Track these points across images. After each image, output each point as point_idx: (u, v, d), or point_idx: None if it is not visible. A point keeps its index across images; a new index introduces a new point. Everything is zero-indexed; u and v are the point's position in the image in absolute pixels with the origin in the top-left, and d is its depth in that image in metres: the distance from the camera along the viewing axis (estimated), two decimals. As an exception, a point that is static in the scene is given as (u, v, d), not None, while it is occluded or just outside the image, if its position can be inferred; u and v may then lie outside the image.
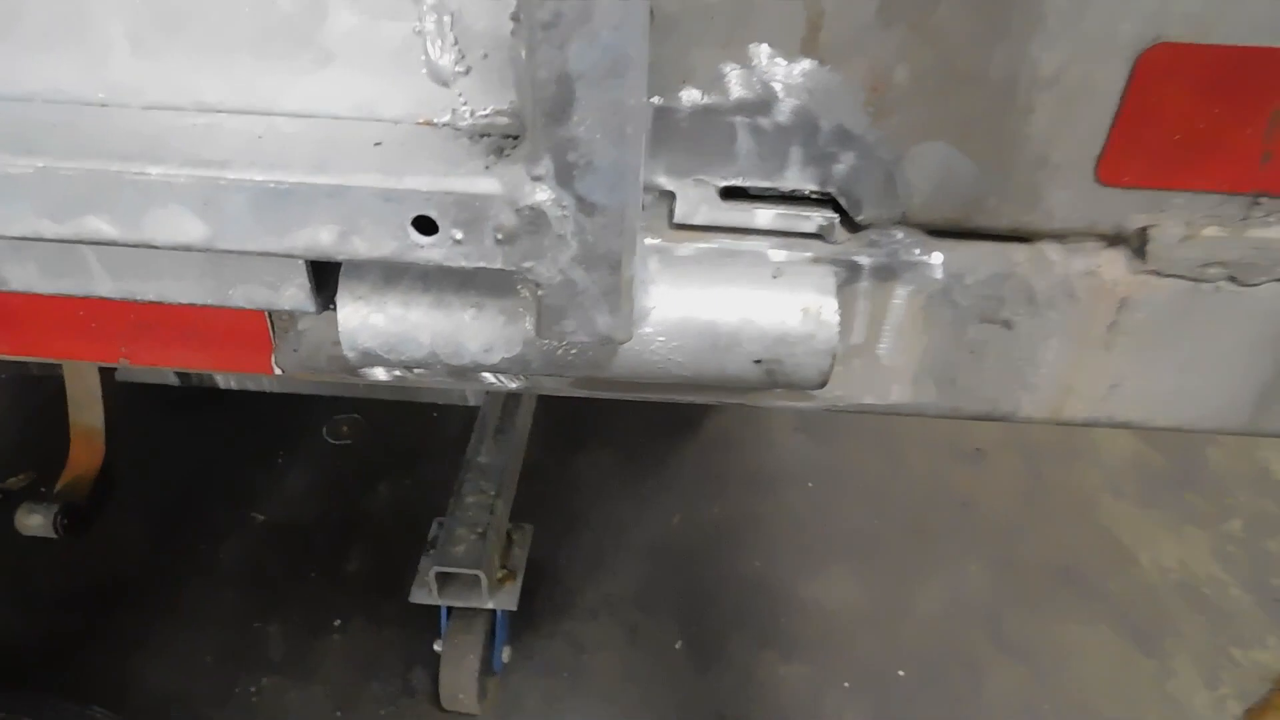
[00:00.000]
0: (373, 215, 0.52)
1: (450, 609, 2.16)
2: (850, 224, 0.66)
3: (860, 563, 2.74)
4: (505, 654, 2.27)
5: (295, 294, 0.61)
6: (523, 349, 0.61)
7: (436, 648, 2.20)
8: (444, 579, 2.05)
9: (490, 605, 2.09)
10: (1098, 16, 0.56)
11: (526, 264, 0.54)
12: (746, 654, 2.46)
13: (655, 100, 0.61)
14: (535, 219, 0.51)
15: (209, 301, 0.61)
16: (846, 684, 2.36)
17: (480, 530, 2.08)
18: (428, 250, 0.53)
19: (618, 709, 2.39)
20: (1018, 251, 0.67)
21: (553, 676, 2.42)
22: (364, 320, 0.60)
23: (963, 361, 0.72)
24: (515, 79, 0.55)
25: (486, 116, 0.58)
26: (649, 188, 0.65)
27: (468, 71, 0.57)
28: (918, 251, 0.67)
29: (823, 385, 0.63)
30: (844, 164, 0.63)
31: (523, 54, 0.48)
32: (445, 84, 0.57)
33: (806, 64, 0.59)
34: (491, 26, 0.55)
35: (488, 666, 2.27)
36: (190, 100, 0.59)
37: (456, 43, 0.55)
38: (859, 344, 0.72)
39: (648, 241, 0.67)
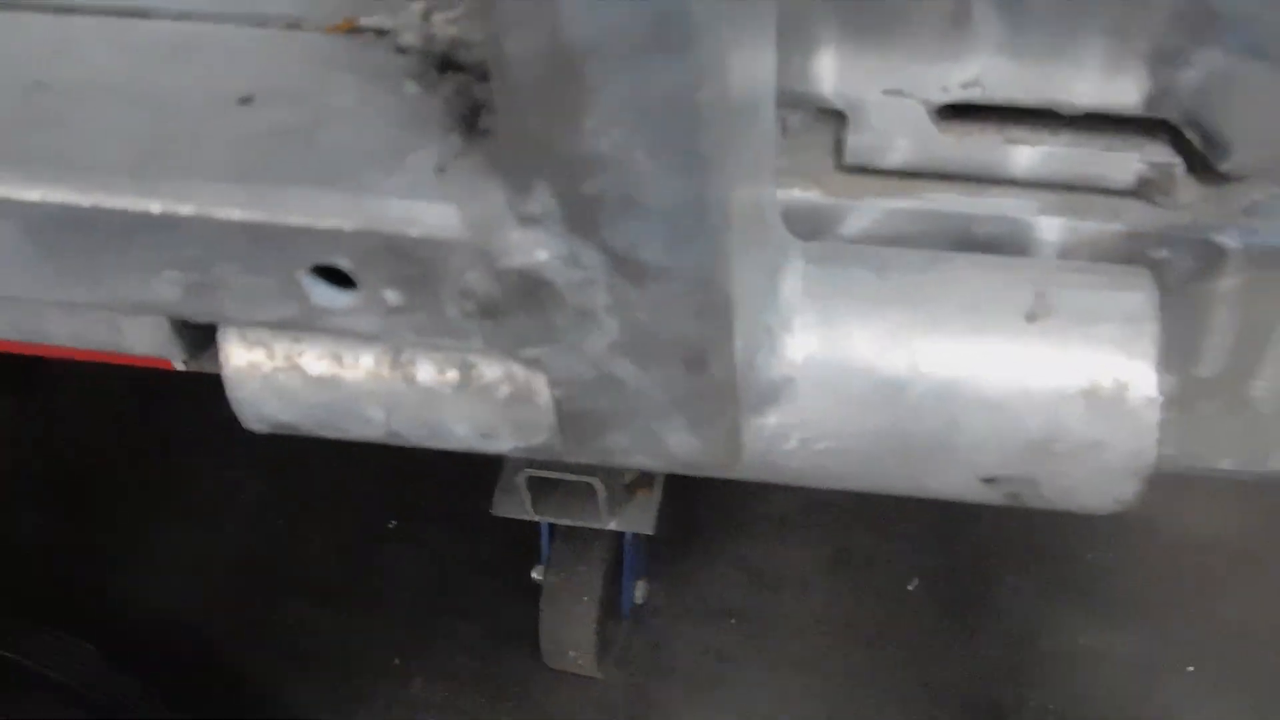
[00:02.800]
0: (239, 261, 0.44)
1: (555, 526, 2.24)
2: (1206, 172, 0.54)
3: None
4: (639, 591, 2.36)
5: (147, 335, 0.55)
6: (547, 438, 0.53)
7: (535, 576, 2.30)
8: (542, 485, 2.10)
9: (613, 525, 2.15)
10: None
11: (528, 352, 0.45)
12: (1027, 609, 2.45)
13: None
14: (532, 287, 0.42)
15: (13, 336, 0.56)
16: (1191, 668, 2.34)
17: (598, 412, 2.11)
18: (346, 319, 0.45)
19: (816, 680, 2.45)
20: None
21: (714, 625, 2.51)
22: (266, 382, 0.53)
23: None
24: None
25: (453, 21, 0.47)
26: (798, 100, 0.55)
27: (414, -57, 0.45)
28: (1350, 229, 0.54)
29: (1120, 510, 0.53)
30: (1198, 69, 0.50)
31: None
32: (375, -39, 0.46)
33: None
34: None
35: (612, 608, 2.37)
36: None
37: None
38: (1212, 378, 0.60)
39: (796, 195, 0.57)
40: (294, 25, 0.49)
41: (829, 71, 0.54)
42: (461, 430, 0.54)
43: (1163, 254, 0.57)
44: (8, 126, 0.46)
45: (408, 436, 0.55)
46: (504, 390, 0.53)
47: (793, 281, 0.52)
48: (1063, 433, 0.50)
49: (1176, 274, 0.57)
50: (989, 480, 0.52)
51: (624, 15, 0.35)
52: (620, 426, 0.47)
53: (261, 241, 0.44)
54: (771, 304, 0.51)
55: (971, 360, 0.51)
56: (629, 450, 0.48)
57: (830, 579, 2.57)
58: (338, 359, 0.53)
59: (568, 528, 2.29)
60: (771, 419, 0.51)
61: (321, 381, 0.54)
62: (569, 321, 0.44)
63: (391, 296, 0.45)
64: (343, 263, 0.44)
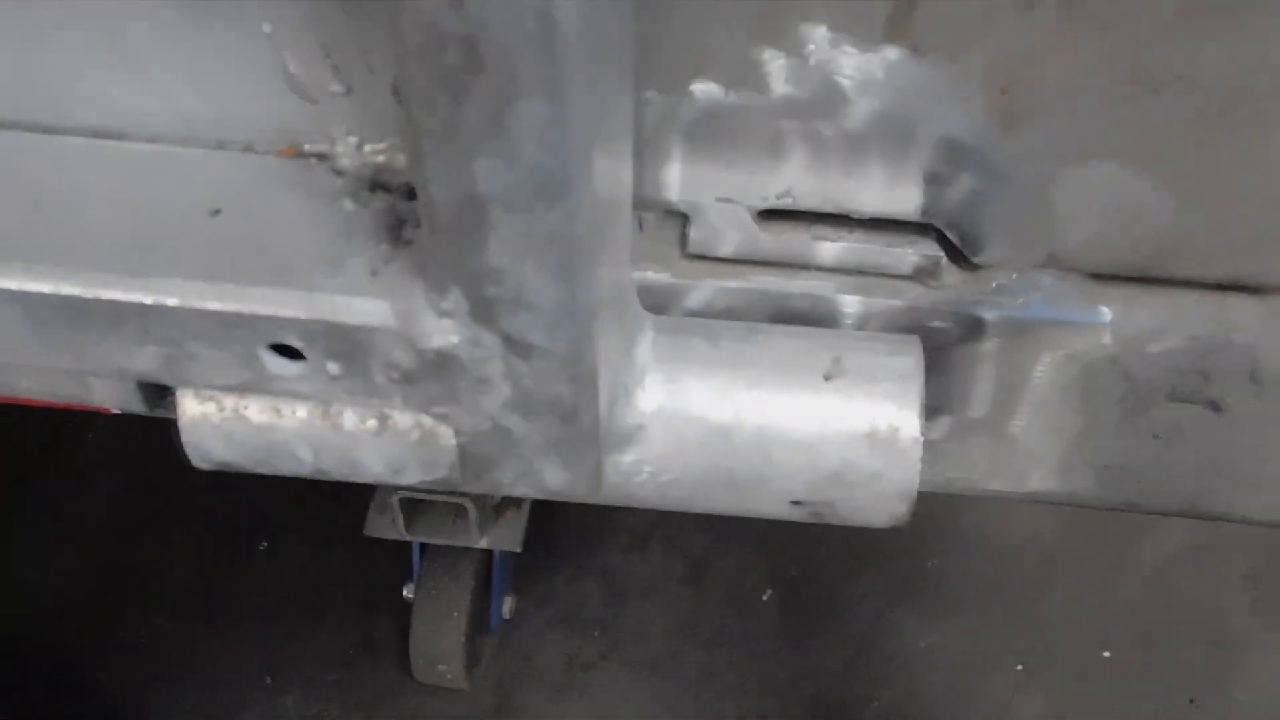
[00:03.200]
0: (208, 340, 0.56)
1: (426, 544, 2.30)
2: (965, 262, 0.68)
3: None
4: (507, 606, 2.44)
5: (114, 391, 0.66)
6: (448, 473, 0.65)
7: (406, 594, 2.37)
8: (413, 506, 2.18)
9: (483, 544, 2.23)
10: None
11: (438, 409, 0.57)
12: (867, 614, 2.59)
13: (650, 94, 0.62)
14: (443, 362, 0.55)
15: None
16: (1020, 666, 2.50)
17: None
18: (295, 383, 0.58)
19: (675, 687, 2.55)
20: (1238, 309, 0.68)
21: (578, 636, 2.60)
22: (217, 431, 0.65)
23: (1141, 449, 0.75)
24: (404, 146, 0.56)
25: (382, 152, 0.59)
26: (649, 204, 0.67)
27: (347, 92, 0.58)
28: (1072, 305, 0.69)
29: (895, 525, 0.67)
30: (956, 189, 0.64)
31: (410, 126, 0.50)
32: (314, 101, 0.59)
33: (892, 54, 0.59)
34: (375, 36, 0.56)
35: (480, 623, 2.45)
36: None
37: (327, 55, 0.56)
38: (980, 418, 0.75)
39: (649, 277, 0.70)
40: (249, 148, 0.61)
41: (675, 182, 0.66)
42: (377, 467, 0.66)
43: (936, 324, 0.70)
44: (18, 231, 0.58)
45: (331, 472, 0.67)
46: (414, 435, 0.65)
47: (644, 347, 0.65)
48: (851, 466, 0.64)
49: (948, 339, 0.72)
50: (796, 503, 0.65)
51: (518, 177, 0.48)
52: (508, 464, 0.60)
53: (230, 326, 0.56)
54: (628, 366, 0.64)
55: (781, 410, 0.64)
56: (514, 483, 0.61)
57: (686, 590, 2.67)
58: (277, 411, 0.65)
59: (437, 546, 2.34)
60: (627, 457, 0.64)
61: (262, 429, 0.65)
62: (471, 387, 0.56)
63: (332, 367, 0.57)
64: (295, 342, 0.56)
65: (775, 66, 0.60)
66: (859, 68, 0.60)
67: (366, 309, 0.55)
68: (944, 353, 0.72)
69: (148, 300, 0.55)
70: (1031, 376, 0.72)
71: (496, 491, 0.62)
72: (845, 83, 0.60)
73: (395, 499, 2.15)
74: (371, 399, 0.58)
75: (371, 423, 0.64)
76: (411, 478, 0.66)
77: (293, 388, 0.58)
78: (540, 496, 0.62)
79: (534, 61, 0.43)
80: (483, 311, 0.53)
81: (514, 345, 0.54)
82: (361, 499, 2.62)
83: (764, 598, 2.60)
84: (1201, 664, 2.44)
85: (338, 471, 0.66)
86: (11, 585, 2.64)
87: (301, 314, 0.55)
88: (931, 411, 0.73)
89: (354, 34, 0.56)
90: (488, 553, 2.35)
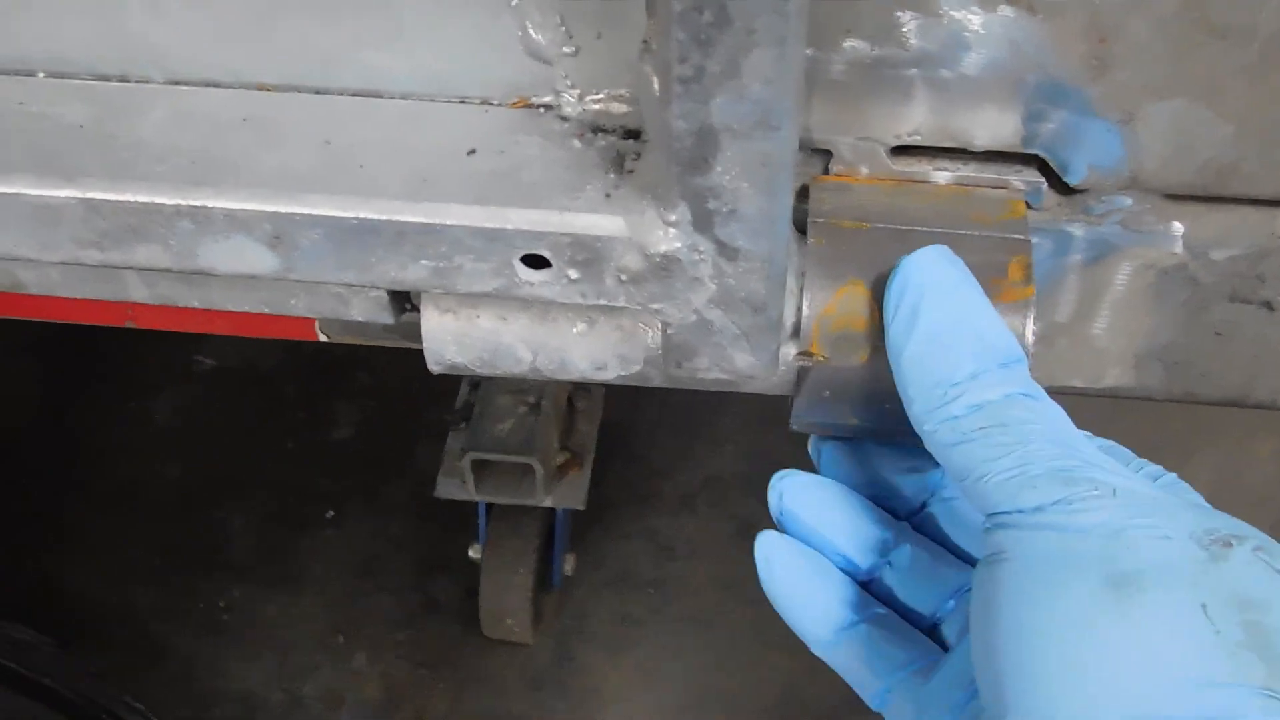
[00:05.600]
0: (473, 253, 0.71)
1: (491, 505, 2.45)
2: (1061, 186, 0.82)
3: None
4: (569, 564, 2.59)
5: (368, 305, 0.81)
6: (643, 368, 0.80)
7: (473, 554, 2.52)
8: (482, 467, 2.33)
9: (548, 503, 2.38)
10: None
11: (655, 305, 0.72)
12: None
13: (809, 52, 0.76)
14: (667, 264, 0.70)
15: (263, 310, 0.81)
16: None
17: (532, 399, 2.34)
18: (538, 288, 0.72)
19: (720, 640, 2.71)
20: (1287, 222, 0.83)
21: (633, 591, 2.75)
22: (452, 335, 0.80)
23: (1203, 345, 0.89)
24: (640, 97, 0.71)
25: (599, 101, 0.74)
26: (801, 143, 0.82)
27: (576, 52, 0.73)
28: (1150, 221, 0.83)
29: None
30: (1054, 122, 0.78)
31: (652, 82, 0.65)
32: (548, 62, 0.74)
33: (1008, 11, 0.74)
34: (606, 6, 0.70)
35: (544, 580, 2.60)
36: (225, 73, 0.76)
37: (562, 22, 0.71)
38: (1065, 322, 0.89)
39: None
40: (487, 102, 0.76)
41: (823, 123, 0.81)
42: (583, 365, 0.80)
43: (1034, 240, 0.85)
44: (315, 171, 0.73)
45: (543, 370, 0.81)
46: (615, 335, 0.80)
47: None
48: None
49: (1044, 253, 0.86)
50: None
51: (746, 110, 0.62)
52: (706, 352, 0.75)
53: (493, 240, 0.70)
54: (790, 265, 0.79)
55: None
56: (710, 367, 0.75)
57: (731, 548, 2.81)
58: (503, 318, 0.80)
59: (501, 508, 2.49)
60: (792, 349, 0.79)
61: (490, 333, 0.80)
62: (686, 285, 0.71)
63: (572, 273, 0.71)
64: (545, 252, 0.71)
65: (913, 25, 0.75)
66: (982, 24, 0.74)
67: (606, 224, 0.70)
68: (1037, 265, 0.86)
69: (428, 220, 0.70)
70: (1112, 284, 0.87)
71: (692, 378, 0.77)
72: (969, 36, 0.75)
73: (465, 460, 2.29)
74: (601, 300, 0.72)
75: (581, 326, 0.79)
76: (610, 373, 0.81)
77: (535, 292, 0.73)
78: (729, 380, 0.77)
79: (770, 19, 0.58)
80: (703, 221, 0.68)
81: (724, 249, 0.69)
82: (415, 473, 2.78)
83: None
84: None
85: (549, 369, 0.81)
86: (88, 563, 2.77)
87: (553, 229, 0.70)
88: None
89: (588, 6, 0.71)
90: (549, 513, 2.49)
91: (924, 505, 0.86)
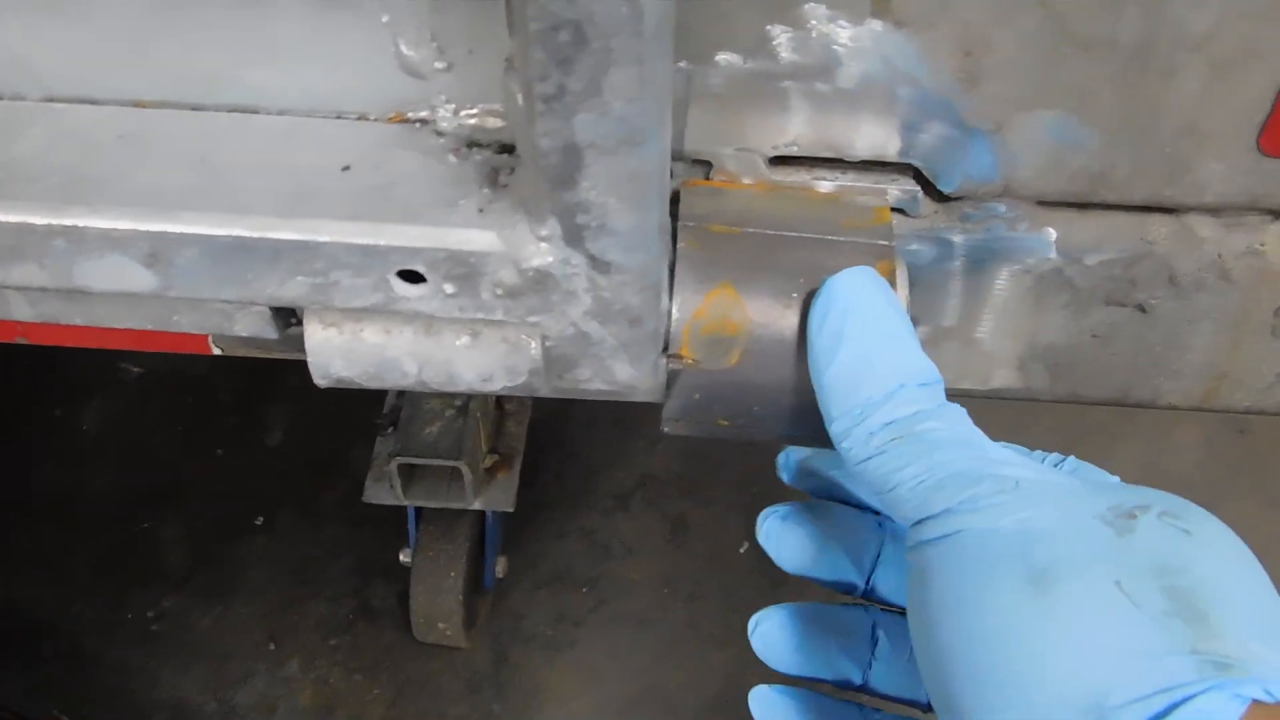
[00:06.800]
0: (350, 269, 0.71)
1: (421, 509, 2.45)
2: (937, 194, 0.84)
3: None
4: (500, 566, 2.59)
5: (252, 320, 0.81)
6: (528, 379, 0.81)
7: (404, 559, 2.51)
8: (410, 472, 2.32)
9: (477, 505, 2.38)
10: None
11: (532, 319, 0.73)
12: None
13: (683, 65, 0.78)
14: (541, 279, 0.71)
15: (148, 327, 0.81)
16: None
17: (459, 403, 2.34)
18: (416, 303, 0.73)
19: (657, 637, 2.71)
20: (1155, 226, 0.85)
21: (567, 593, 2.75)
22: (337, 349, 0.80)
23: (1084, 346, 0.91)
24: (508, 113, 0.72)
25: (474, 116, 0.75)
26: (678, 156, 0.83)
27: (449, 68, 0.74)
28: (1024, 227, 0.85)
29: None
30: (928, 133, 0.80)
31: (518, 99, 0.65)
32: (422, 78, 0.74)
33: (877, 26, 0.75)
34: (476, 23, 0.71)
35: (477, 583, 2.60)
36: (101, 90, 0.77)
37: (434, 39, 0.72)
38: (951, 326, 0.91)
39: None
40: (364, 117, 0.77)
41: (700, 135, 0.82)
42: (469, 376, 0.81)
43: (915, 247, 0.87)
44: (190, 188, 0.73)
45: (430, 383, 0.82)
46: (501, 347, 0.80)
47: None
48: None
49: (924, 260, 0.88)
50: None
51: (609, 128, 0.63)
52: (586, 363, 0.76)
53: (369, 256, 0.71)
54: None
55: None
56: (591, 379, 0.76)
57: (667, 547, 2.82)
58: (387, 332, 0.80)
59: (432, 512, 2.48)
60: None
61: (375, 347, 0.81)
62: (561, 299, 0.72)
63: (448, 287, 0.72)
64: (420, 267, 0.71)
65: (784, 39, 0.76)
66: (851, 38, 0.76)
67: (479, 238, 0.70)
68: (920, 272, 0.88)
69: (303, 238, 0.71)
70: (993, 289, 0.89)
71: (575, 388, 0.78)
72: (840, 50, 0.76)
73: (393, 465, 2.28)
74: (478, 314, 0.73)
75: (465, 338, 0.80)
76: (498, 385, 0.82)
77: (413, 306, 0.73)
78: (611, 390, 0.78)
79: (626, 39, 0.59)
80: (573, 236, 0.69)
81: (597, 263, 0.70)
82: (348, 477, 2.77)
83: (740, 551, 2.75)
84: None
85: (436, 382, 0.82)
86: (17, 574, 2.74)
87: (427, 244, 0.70)
88: (912, 323, 0.89)
89: (458, 22, 0.72)
90: (480, 516, 2.49)
91: (878, 554, 0.87)
